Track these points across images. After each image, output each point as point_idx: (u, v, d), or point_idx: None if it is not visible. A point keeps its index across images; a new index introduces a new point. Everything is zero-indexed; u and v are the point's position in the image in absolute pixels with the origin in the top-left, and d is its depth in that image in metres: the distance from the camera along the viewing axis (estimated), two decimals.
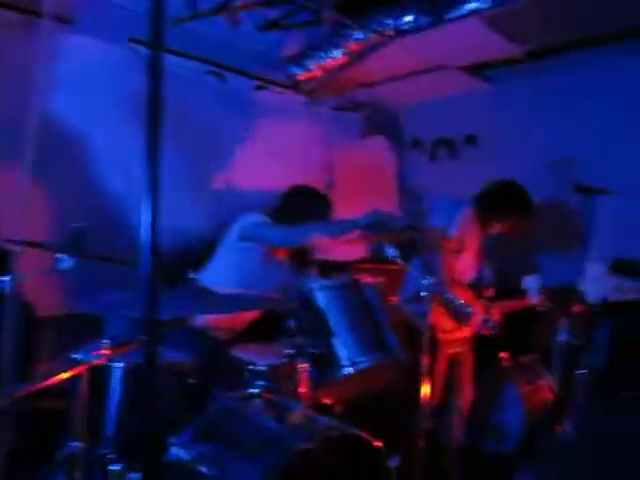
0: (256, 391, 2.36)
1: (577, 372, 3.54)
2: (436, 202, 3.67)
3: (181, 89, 4.26)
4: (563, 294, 2.96)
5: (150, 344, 1.31)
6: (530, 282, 2.60)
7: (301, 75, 4.34)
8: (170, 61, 4.26)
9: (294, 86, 4.61)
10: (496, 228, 3.48)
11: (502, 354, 4.06)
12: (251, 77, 4.74)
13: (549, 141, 4.54)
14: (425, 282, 2.47)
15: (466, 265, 3.41)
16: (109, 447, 2.17)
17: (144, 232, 1.30)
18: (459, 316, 3.17)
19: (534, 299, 2.86)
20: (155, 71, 1.30)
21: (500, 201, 3.45)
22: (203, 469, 2.10)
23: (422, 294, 2.48)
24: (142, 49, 3.97)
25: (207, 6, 3.80)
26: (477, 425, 3.64)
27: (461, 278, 3.39)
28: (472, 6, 3.41)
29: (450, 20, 3.61)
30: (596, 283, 2.13)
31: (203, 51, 4.35)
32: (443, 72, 4.63)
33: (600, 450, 2.99)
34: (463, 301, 3.10)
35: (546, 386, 4.01)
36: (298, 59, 4.32)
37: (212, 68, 4.50)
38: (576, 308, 2.29)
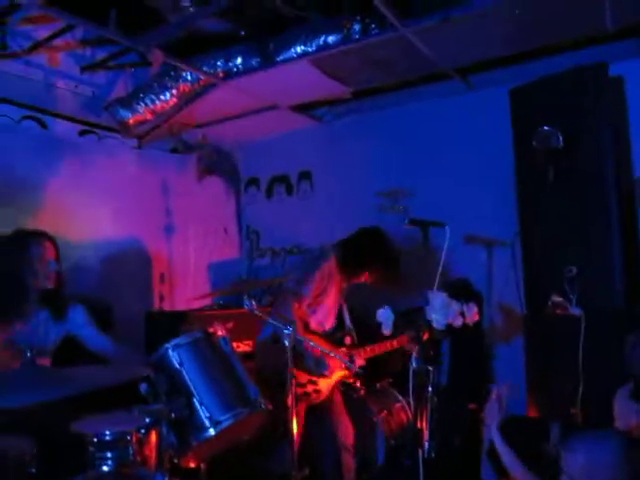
0: (108, 468, 2.14)
1: (428, 392, 3.72)
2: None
3: None
4: (412, 322, 3.10)
5: None
6: (382, 315, 2.68)
7: (130, 119, 4.16)
8: None
9: (123, 130, 4.40)
10: (362, 277, 3.45)
11: (357, 384, 4.15)
12: (75, 122, 4.45)
13: (378, 174, 4.80)
14: (287, 331, 2.44)
15: (324, 316, 3.37)
16: None
17: None
18: (315, 368, 3.15)
19: (387, 331, 2.94)
20: None
21: (369, 252, 3.39)
22: None
23: (284, 342, 2.44)
24: None
25: (21, 44, 3.52)
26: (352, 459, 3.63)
27: (318, 329, 3.35)
28: (299, 49, 3.52)
29: (280, 62, 3.69)
30: (442, 311, 2.25)
31: (20, 95, 4.01)
32: (275, 112, 4.71)
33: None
34: (319, 353, 3.08)
35: (400, 408, 4.17)
36: (127, 102, 4.14)
37: (31, 113, 4.16)
38: (425, 335, 2.40)
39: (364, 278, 3.46)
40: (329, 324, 3.39)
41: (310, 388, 3.23)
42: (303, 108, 4.82)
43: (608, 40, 3.74)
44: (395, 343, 3.45)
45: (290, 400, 2.49)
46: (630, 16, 3.49)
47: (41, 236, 2.93)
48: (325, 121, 5.12)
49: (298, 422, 3.16)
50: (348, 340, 3.38)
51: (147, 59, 3.81)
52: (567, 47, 3.84)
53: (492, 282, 4.32)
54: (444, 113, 4.48)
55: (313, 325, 3.32)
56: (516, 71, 4.04)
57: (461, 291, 3.69)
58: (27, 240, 2.88)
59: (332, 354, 2.98)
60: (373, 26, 3.47)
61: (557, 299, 3.36)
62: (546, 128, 3.36)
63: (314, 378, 3.23)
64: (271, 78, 3.96)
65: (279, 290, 3.15)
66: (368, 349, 3.46)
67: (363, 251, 3.38)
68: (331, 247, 3.43)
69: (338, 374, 3.34)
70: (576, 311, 3.34)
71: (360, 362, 3.31)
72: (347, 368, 3.21)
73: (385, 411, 4.08)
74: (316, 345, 2.89)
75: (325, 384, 3.30)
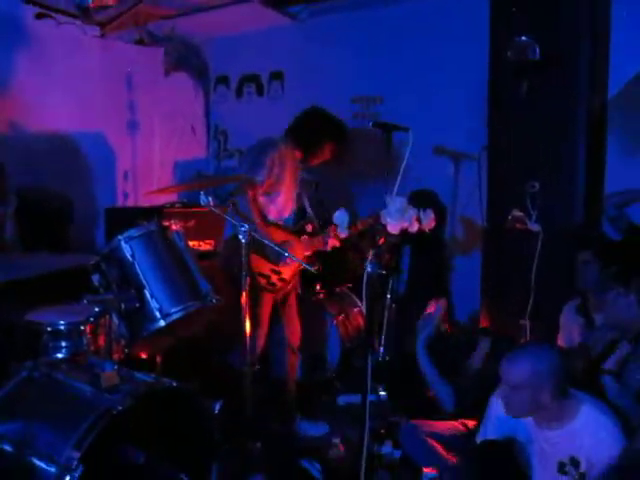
0: (62, 355, 2.17)
1: (384, 298, 3.82)
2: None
3: None
4: (368, 226, 3.12)
5: None
6: (338, 217, 2.68)
7: (91, 3, 3.92)
8: None
9: (84, 15, 4.15)
10: (315, 159, 3.45)
11: (317, 287, 4.24)
12: (30, 3, 4.16)
13: (352, 78, 4.67)
14: (243, 229, 2.43)
15: (282, 205, 3.38)
16: None
17: None
18: (275, 257, 3.17)
19: (343, 233, 2.95)
20: None
21: (317, 127, 3.40)
22: (7, 448, 1.92)
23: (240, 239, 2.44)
24: None
25: None
26: (304, 356, 3.76)
27: (277, 218, 3.37)
28: None
29: None
30: (397, 215, 2.25)
31: None
32: (248, 5, 4.47)
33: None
34: (279, 242, 3.10)
35: (358, 313, 4.29)
36: None
37: None
38: (381, 240, 2.41)
39: (317, 158, 3.46)
40: (287, 212, 3.42)
41: (274, 278, 3.28)
42: (277, 3, 4.59)
43: None
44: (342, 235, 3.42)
45: (244, 298, 2.52)
46: None
47: None
48: (300, 19, 4.89)
49: (263, 314, 3.25)
50: (309, 227, 3.42)
51: None
52: None
53: (457, 195, 4.34)
54: (421, 17, 4.30)
55: (272, 214, 3.33)
56: None
57: (426, 202, 3.71)
58: None
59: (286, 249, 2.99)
60: None
61: (517, 214, 3.39)
62: (523, 38, 3.26)
63: (277, 268, 3.26)
64: None
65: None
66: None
67: (311, 125, 3.41)
68: (279, 136, 3.42)
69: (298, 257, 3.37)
70: (534, 227, 3.39)
71: (333, 243, 3.34)
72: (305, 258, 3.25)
73: (343, 315, 4.20)
74: (270, 241, 2.88)
75: (289, 272, 3.35)
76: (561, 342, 3.10)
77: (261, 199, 3.26)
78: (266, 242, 2.81)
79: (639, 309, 2.42)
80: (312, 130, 3.40)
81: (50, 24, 4.33)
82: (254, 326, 2.81)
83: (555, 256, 3.38)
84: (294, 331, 3.53)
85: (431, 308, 2.97)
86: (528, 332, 3.42)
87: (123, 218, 4.17)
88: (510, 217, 3.42)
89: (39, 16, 4.23)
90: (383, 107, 4.57)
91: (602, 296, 2.62)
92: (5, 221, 2.90)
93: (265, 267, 3.23)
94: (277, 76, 5.13)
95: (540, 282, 3.38)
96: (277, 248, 2.90)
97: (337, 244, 3.37)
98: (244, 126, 5.12)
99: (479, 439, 2.39)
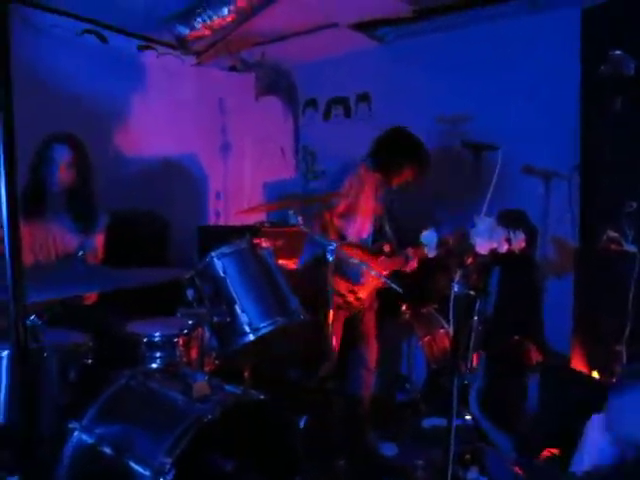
0: (156, 365, 2.29)
1: (471, 320, 3.75)
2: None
3: (56, 50, 3.98)
4: (457, 246, 3.09)
5: (18, 329, 1.20)
6: (427, 237, 2.68)
7: (188, 35, 4.16)
8: (42, 19, 3.94)
9: (181, 46, 4.41)
10: (396, 181, 3.46)
11: (403, 306, 4.22)
12: (135, 37, 4.48)
13: (439, 98, 4.66)
14: (330, 247, 2.49)
15: (360, 226, 3.41)
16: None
17: None
18: (353, 277, 3.20)
19: (432, 253, 2.94)
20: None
21: (396, 149, 3.42)
22: (107, 450, 2.04)
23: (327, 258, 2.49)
24: None
25: None
26: (385, 377, 3.76)
27: (354, 239, 3.39)
28: None
29: None
30: (486, 235, 2.23)
31: (80, 8, 4.05)
32: (335, 30, 4.59)
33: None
34: (357, 261, 3.13)
35: (444, 334, 4.23)
36: (184, 17, 4.12)
37: (91, 27, 4.21)
38: (469, 259, 2.39)
39: (398, 179, 3.45)
40: (365, 233, 3.44)
41: (351, 297, 3.32)
42: (364, 27, 4.68)
43: None
44: (430, 255, 3.39)
45: (331, 316, 2.57)
46: None
47: (63, 139, 2.95)
48: (386, 42, 4.95)
49: (336, 331, 3.28)
50: (387, 248, 3.42)
51: None
52: None
53: (548, 215, 4.21)
54: (508, 35, 4.24)
55: (350, 234, 3.38)
56: None
57: (515, 222, 3.62)
58: (49, 142, 2.91)
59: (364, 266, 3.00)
60: None
61: (613, 234, 3.26)
62: (617, 52, 3.16)
63: (354, 287, 3.31)
64: None
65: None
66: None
67: (390, 147, 3.43)
68: (359, 158, 3.45)
69: (374, 282, 3.38)
70: (631, 248, 3.24)
71: (413, 265, 3.33)
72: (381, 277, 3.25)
73: (429, 336, 4.15)
74: (353, 259, 2.91)
75: (365, 291, 3.38)
76: None
77: (338, 220, 3.31)
78: (349, 260, 2.84)
79: None
80: (391, 152, 3.43)
81: (151, 55, 4.63)
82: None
83: None
84: (370, 349, 3.53)
85: (475, 360, 2.88)
86: (625, 358, 3.26)
87: (216, 236, 4.35)
88: (605, 238, 3.30)
89: (141, 48, 4.54)
90: (471, 126, 4.53)
91: None
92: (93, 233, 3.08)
93: (342, 286, 3.26)
94: (364, 98, 5.20)
95: (637, 306, 3.22)
96: (362, 264, 2.92)
97: (415, 266, 3.36)
98: (332, 147, 5.22)
99: (575, 468, 2.29)
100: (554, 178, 4.09)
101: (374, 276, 3.24)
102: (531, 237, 3.87)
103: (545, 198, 4.19)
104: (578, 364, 3.59)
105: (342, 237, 3.32)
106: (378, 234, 3.54)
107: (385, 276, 3.16)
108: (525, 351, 3.70)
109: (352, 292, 3.31)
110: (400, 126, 3.55)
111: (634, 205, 3.28)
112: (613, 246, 3.28)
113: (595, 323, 3.53)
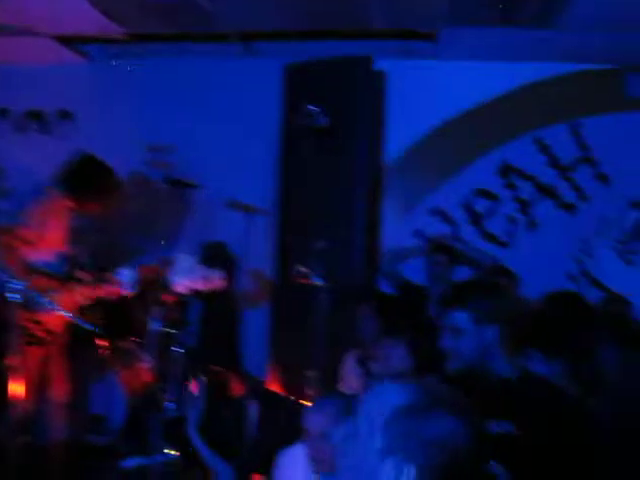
0: None
1: (172, 353, 3.71)
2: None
3: None
4: (154, 282, 3.03)
5: None
6: (124, 274, 2.57)
7: None
8: None
9: None
10: (87, 208, 3.33)
11: (100, 341, 3.98)
12: None
13: (148, 125, 4.58)
14: (16, 286, 2.21)
15: (46, 253, 3.18)
16: None
17: None
18: (33, 305, 2.94)
19: (128, 291, 2.83)
20: None
21: (85, 177, 3.31)
22: None
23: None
24: None
25: None
26: (79, 417, 3.48)
27: (40, 263, 3.14)
28: None
29: None
30: (185, 274, 2.23)
31: None
32: (36, 39, 4.21)
33: None
34: (40, 291, 2.89)
35: (145, 368, 4.10)
36: None
37: None
38: (166, 297, 2.36)
39: (89, 207, 3.36)
40: (52, 258, 3.21)
41: (37, 329, 3.03)
42: (67, 40, 4.39)
43: (376, 37, 4.06)
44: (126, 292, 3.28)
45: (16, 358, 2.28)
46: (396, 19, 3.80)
47: None
48: (95, 59, 4.72)
49: (30, 372, 2.94)
50: (83, 275, 3.23)
51: None
52: (348, 35, 4.08)
53: (249, 248, 4.41)
54: (219, 74, 4.42)
55: (36, 259, 3.12)
56: (294, 47, 4.15)
57: (216, 257, 3.71)
58: None
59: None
60: None
61: (302, 269, 3.55)
62: (311, 107, 3.49)
63: (38, 318, 3.03)
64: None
65: None
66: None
67: (79, 173, 3.33)
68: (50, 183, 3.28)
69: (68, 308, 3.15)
70: (318, 281, 3.56)
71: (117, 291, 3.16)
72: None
73: (128, 371, 3.98)
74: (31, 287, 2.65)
75: (55, 322, 3.12)
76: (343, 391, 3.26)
77: (22, 246, 3.04)
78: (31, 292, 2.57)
79: (410, 359, 2.64)
80: (79, 179, 3.32)
81: None
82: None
83: (339, 310, 3.58)
84: (59, 390, 3.27)
85: (193, 388, 2.93)
86: (313, 383, 3.54)
87: None
88: (295, 272, 3.57)
89: None
90: (178, 156, 4.53)
91: (378, 348, 2.82)
92: None
93: (23, 316, 2.90)
94: (66, 115, 4.85)
95: (325, 335, 3.54)
96: (44, 299, 2.67)
97: (118, 293, 3.23)
98: (24, 164, 4.74)
99: None
100: (255, 213, 4.33)
101: (69, 301, 3.02)
102: (230, 270, 4.02)
103: (246, 232, 4.40)
104: (275, 388, 3.82)
105: (26, 263, 3.01)
106: (73, 261, 3.32)
107: (68, 307, 2.94)
108: (227, 382, 3.79)
109: (36, 322, 3.01)
110: (89, 153, 3.44)
111: (321, 243, 3.62)
112: (303, 280, 3.56)
113: (288, 350, 3.79)
